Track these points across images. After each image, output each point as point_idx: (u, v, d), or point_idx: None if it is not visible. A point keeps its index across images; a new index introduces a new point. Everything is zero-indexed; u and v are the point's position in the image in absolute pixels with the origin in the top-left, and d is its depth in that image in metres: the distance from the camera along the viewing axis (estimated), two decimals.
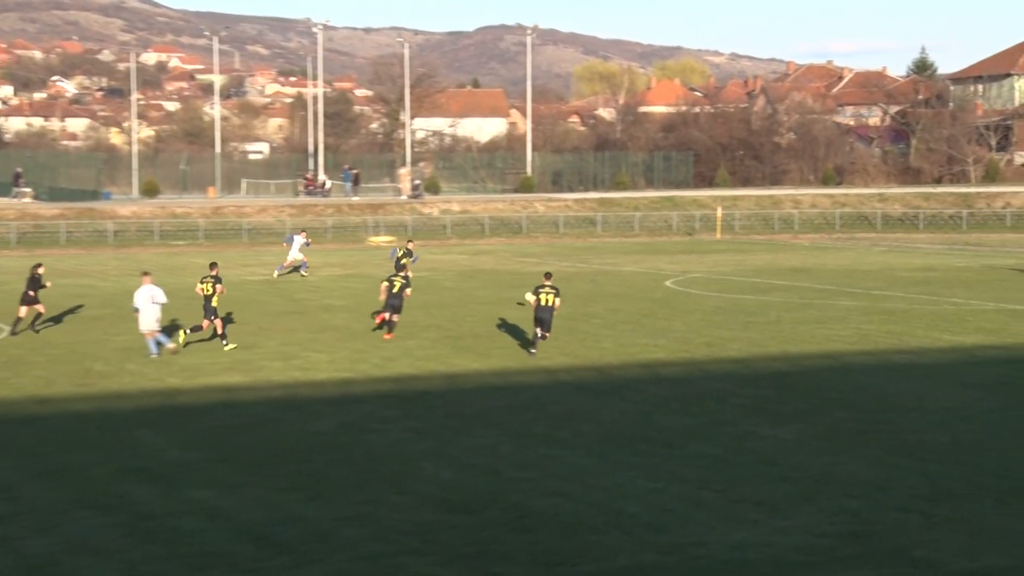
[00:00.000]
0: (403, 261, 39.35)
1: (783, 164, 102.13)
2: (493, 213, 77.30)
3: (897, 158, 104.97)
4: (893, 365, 25.39)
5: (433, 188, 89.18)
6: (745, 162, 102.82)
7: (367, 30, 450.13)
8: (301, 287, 42.87)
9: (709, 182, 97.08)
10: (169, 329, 28.68)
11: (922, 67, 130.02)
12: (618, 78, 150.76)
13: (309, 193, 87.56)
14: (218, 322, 28.21)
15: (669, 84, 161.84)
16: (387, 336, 29.24)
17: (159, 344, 26.80)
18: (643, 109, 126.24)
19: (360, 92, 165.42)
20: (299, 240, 47.95)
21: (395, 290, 29.24)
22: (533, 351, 26.69)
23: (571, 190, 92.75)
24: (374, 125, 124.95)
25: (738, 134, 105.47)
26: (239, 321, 32.03)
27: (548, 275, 27.92)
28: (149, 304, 26.80)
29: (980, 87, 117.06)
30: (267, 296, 39.78)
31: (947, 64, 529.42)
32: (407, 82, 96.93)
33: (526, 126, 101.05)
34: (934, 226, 76.75)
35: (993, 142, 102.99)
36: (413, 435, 19.03)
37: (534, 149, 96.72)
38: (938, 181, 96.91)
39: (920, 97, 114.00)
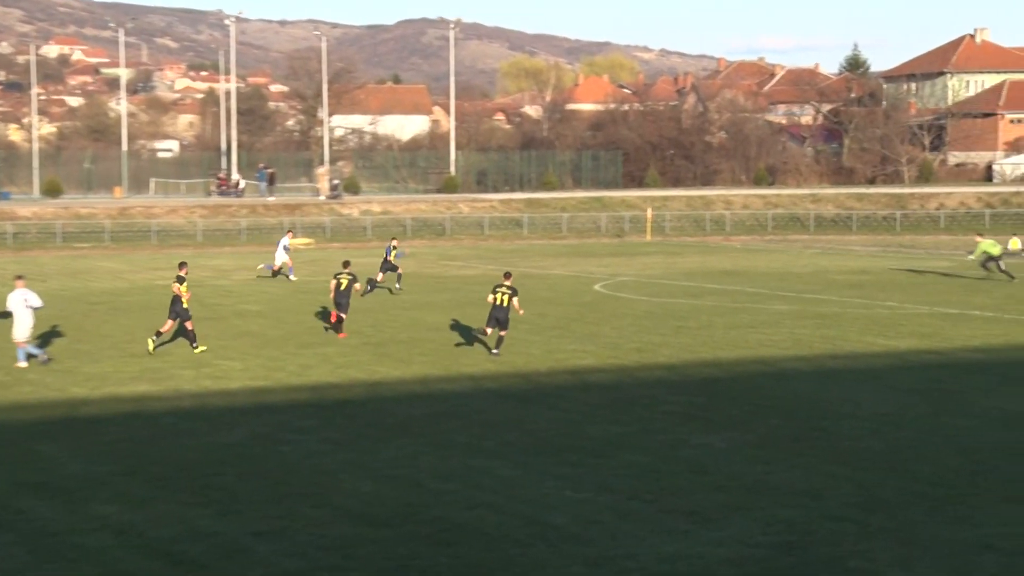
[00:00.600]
0: (391, 258, 41.00)
1: (714, 164, 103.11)
2: (415, 214, 77.12)
3: (830, 158, 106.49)
4: (827, 371, 25.71)
5: (353, 188, 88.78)
6: (676, 162, 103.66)
7: (282, 23, 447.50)
8: (213, 292, 42.42)
9: (639, 182, 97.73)
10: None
11: (855, 64, 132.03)
12: (545, 74, 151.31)
13: (222, 193, 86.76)
14: (189, 324, 28.28)
15: (597, 81, 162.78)
16: (341, 336, 30.35)
17: (30, 356, 26.32)
18: (571, 107, 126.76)
19: (275, 88, 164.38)
20: (283, 240, 47.38)
21: (342, 288, 30.59)
22: (495, 352, 27.34)
23: (496, 190, 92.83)
24: (290, 122, 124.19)
25: (668, 133, 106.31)
26: (149, 327, 31.60)
27: (507, 275, 28.39)
28: (23, 308, 26.34)
29: (913, 86, 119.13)
30: None
31: (880, 62, 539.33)
32: (324, 77, 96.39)
33: (449, 124, 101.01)
34: (867, 228, 77.91)
35: (927, 142, 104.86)
36: (331, 446, 18.90)
37: (458, 148, 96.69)
38: (871, 182, 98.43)
39: (853, 95, 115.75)
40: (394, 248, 41.89)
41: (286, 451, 18.56)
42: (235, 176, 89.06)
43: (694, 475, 17.02)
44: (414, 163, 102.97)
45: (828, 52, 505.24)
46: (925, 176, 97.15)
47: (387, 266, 41.34)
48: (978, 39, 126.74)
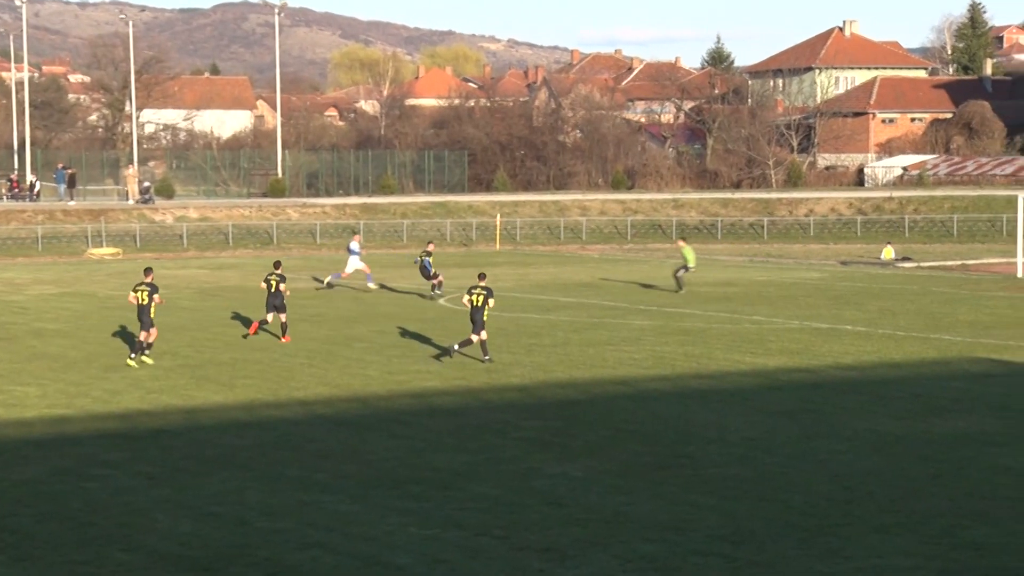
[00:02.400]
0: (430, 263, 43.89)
1: (569, 166, 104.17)
2: (238, 221, 76.25)
3: (693, 160, 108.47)
4: (691, 391, 26.21)
5: (166, 191, 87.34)
6: (527, 163, 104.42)
7: (82, 4, 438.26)
8: (5, 308, 41.33)
9: (487, 185, 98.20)
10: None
11: (718, 59, 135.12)
12: (382, 66, 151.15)
13: (13, 196, 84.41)
14: (153, 331, 29.60)
15: (440, 74, 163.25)
16: (284, 339, 32.57)
17: None
18: (411, 102, 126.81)
19: (75, 78, 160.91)
20: (352, 245, 48.03)
21: (273, 289, 32.54)
22: (486, 358, 29.32)
23: (329, 194, 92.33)
24: (93, 117, 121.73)
25: (518, 131, 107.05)
26: None
27: (482, 276, 30.71)
28: None
29: (780, 82, 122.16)
30: None
31: (745, 56, 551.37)
32: (132, 67, 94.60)
33: (275, 120, 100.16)
34: (733, 235, 79.57)
35: (795, 143, 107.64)
36: (144, 481, 18.62)
37: (285, 147, 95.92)
38: (737, 185, 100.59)
39: (716, 92, 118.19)
40: (427, 255, 44.58)
41: (92, 488, 18.22)
42: (29, 178, 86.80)
43: (549, 507, 17.19)
44: (236, 164, 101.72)
45: (689, 45, 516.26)
46: (794, 180, 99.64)
47: (426, 272, 44.01)
48: (847, 32, 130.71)
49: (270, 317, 33.16)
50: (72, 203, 79.42)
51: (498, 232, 75.46)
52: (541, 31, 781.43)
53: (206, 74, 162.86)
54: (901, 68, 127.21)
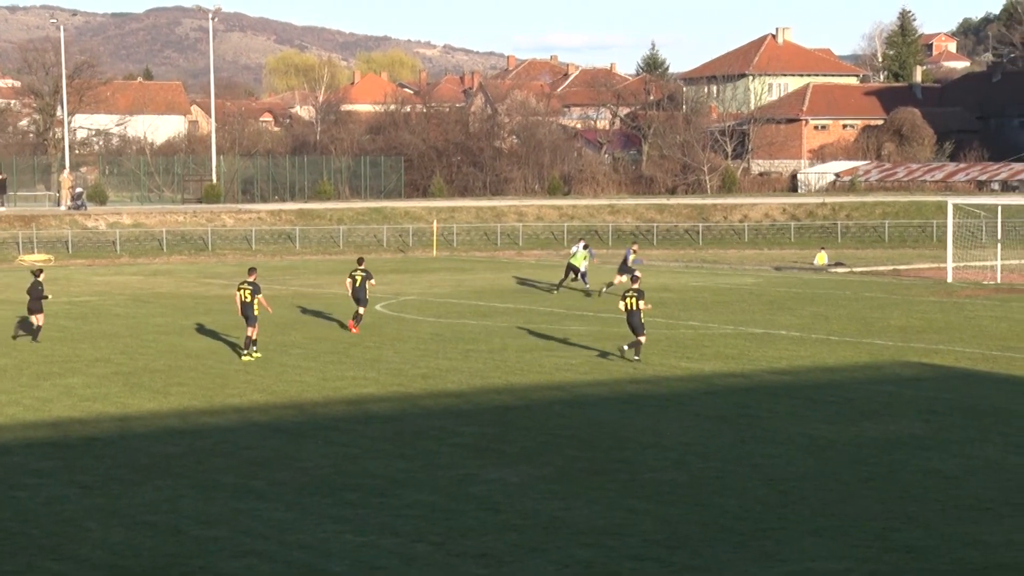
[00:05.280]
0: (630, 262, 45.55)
1: (505, 171, 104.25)
2: (172, 227, 75.69)
3: (628, 166, 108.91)
4: (628, 396, 26.32)
5: (99, 197, 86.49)
6: (463, 169, 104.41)
7: (12, 9, 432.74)
8: None
9: (423, 191, 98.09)
10: None
11: (653, 65, 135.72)
12: (317, 71, 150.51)
13: None
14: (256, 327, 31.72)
15: (375, 79, 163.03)
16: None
17: None
18: (346, 107, 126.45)
19: (4, 83, 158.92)
20: (577, 248, 48.47)
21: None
22: (636, 359, 30.46)
23: (264, 200, 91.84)
24: (23, 122, 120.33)
25: (455, 137, 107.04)
26: None
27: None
28: None
29: (714, 88, 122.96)
30: None
31: (679, 62, 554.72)
32: (63, 72, 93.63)
33: (210, 125, 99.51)
34: (669, 241, 79.99)
35: (729, 149, 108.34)
36: (76, 490, 18.44)
37: (220, 152, 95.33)
38: (672, 191, 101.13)
39: (651, 98, 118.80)
40: (634, 253, 46.71)
41: (22, 497, 18.02)
42: None
43: (485, 513, 17.19)
44: (170, 169, 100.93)
45: (624, 51, 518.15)
46: (728, 186, 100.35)
47: (625, 269, 44.66)
48: (780, 40, 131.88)
49: (362, 310, 36.31)
50: (3, 209, 78.44)
51: (435, 238, 75.40)
52: (477, 37, 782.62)
53: (139, 79, 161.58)
54: (833, 75, 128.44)
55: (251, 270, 33.07)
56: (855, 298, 46.06)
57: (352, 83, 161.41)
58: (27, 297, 34.81)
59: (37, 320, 34.60)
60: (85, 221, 75.62)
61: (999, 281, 51.93)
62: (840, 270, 59.98)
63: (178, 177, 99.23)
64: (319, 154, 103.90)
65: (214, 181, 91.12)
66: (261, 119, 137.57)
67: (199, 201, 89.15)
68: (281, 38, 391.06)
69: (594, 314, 40.87)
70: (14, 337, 34.80)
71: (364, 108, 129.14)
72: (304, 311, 42.11)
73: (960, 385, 27.70)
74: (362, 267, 36.89)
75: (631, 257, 46.56)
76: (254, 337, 31.48)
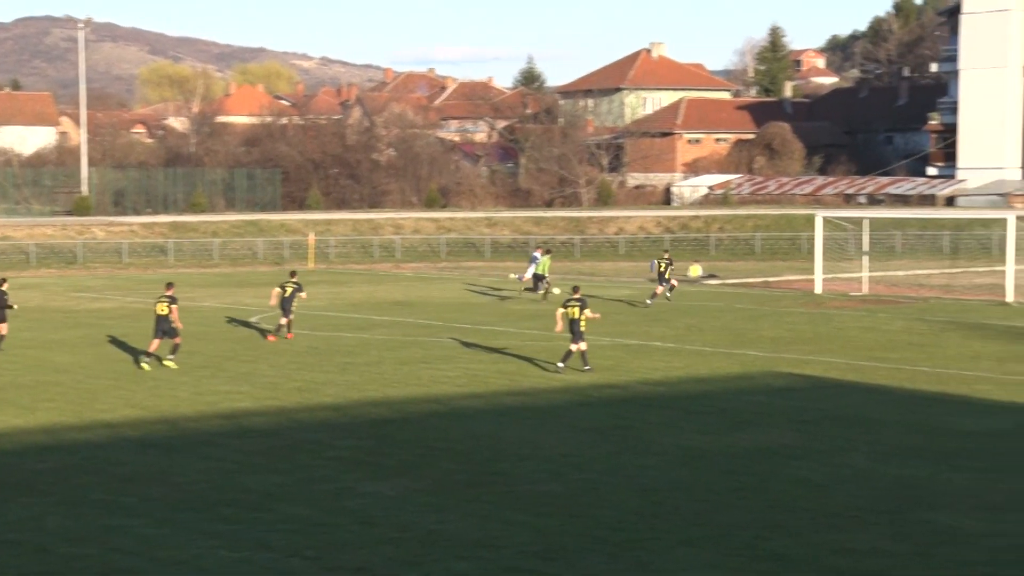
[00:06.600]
0: (663, 270, 48.10)
1: (383, 184, 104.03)
2: (40, 240, 74.21)
3: (506, 178, 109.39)
4: (505, 408, 26.39)
5: None
6: (340, 181, 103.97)
7: None
8: None
9: (300, 204, 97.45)
10: None
11: (530, 78, 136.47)
12: (191, 83, 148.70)
13: None
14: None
15: (251, 91, 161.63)
16: (288, 336, 36.07)
17: None
18: (221, 119, 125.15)
19: None
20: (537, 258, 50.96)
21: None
22: (586, 368, 30.54)
23: (137, 212, 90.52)
24: None
25: (332, 150, 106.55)
26: None
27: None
28: None
29: (591, 102, 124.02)
30: None
31: (556, 76, 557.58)
32: None
33: (80, 136, 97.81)
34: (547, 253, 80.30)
35: (605, 162, 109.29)
36: None
37: (91, 164, 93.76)
38: (549, 204, 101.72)
39: (528, 111, 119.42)
40: (659, 264, 48.76)
41: None
42: None
43: (361, 527, 17.11)
44: (38, 181, 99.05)
45: (502, 64, 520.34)
46: (604, 199, 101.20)
47: (662, 279, 47.93)
48: (654, 54, 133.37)
49: (284, 320, 37.52)
50: None
51: (311, 251, 74.89)
52: (354, 49, 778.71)
53: (6, 89, 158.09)
54: (706, 89, 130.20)
55: (169, 284, 33.04)
56: (727, 310, 46.71)
57: (227, 94, 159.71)
58: None
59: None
60: None
61: (866, 292, 53.03)
62: (713, 282, 60.74)
63: (47, 189, 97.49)
64: (193, 166, 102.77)
65: (84, 193, 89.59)
66: (134, 130, 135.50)
67: (69, 213, 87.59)
68: (155, 49, 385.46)
69: (472, 326, 40.88)
70: None
71: (240, 120, 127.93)
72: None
73: (829, 395, 28.22)
74: (294, 279, 38.01)
75: (662, 265, 48.43)
76: (178, 343, 32.00)
